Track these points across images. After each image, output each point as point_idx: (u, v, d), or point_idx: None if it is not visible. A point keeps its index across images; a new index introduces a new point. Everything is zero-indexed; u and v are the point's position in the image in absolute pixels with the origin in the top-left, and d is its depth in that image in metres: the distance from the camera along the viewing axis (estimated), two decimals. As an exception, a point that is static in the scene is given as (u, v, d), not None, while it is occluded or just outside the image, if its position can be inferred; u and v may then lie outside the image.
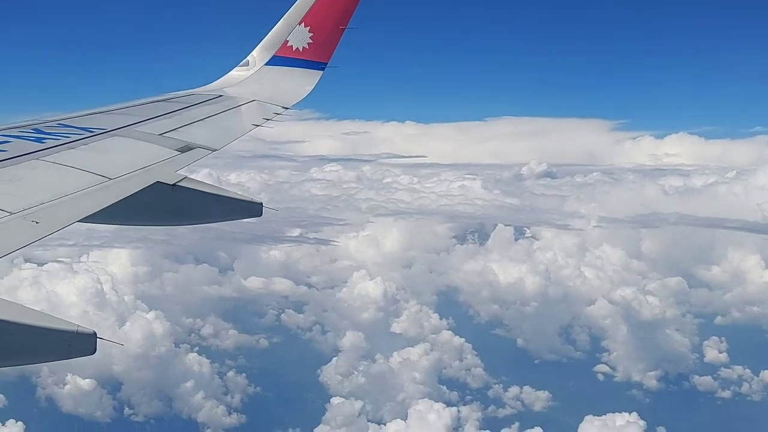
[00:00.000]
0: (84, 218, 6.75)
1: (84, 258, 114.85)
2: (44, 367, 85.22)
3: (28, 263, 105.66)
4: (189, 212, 8.54)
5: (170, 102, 12.73)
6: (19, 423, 79.99)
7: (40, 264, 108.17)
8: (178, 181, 8.24)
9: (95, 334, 5.04)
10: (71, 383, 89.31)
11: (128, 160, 8.58)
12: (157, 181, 8.05)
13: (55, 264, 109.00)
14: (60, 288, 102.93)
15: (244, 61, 15.86)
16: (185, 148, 9.55)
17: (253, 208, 8.77)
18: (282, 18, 15.73)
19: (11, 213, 6.08)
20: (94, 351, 5.09)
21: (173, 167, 8.71)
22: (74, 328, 4.98)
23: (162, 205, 8.25)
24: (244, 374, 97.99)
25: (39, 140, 8.55)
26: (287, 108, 14.35)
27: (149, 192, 7.83)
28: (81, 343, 5.02)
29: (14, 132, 8.89)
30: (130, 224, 9.00)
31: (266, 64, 15.65)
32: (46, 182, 7.19)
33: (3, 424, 79.61)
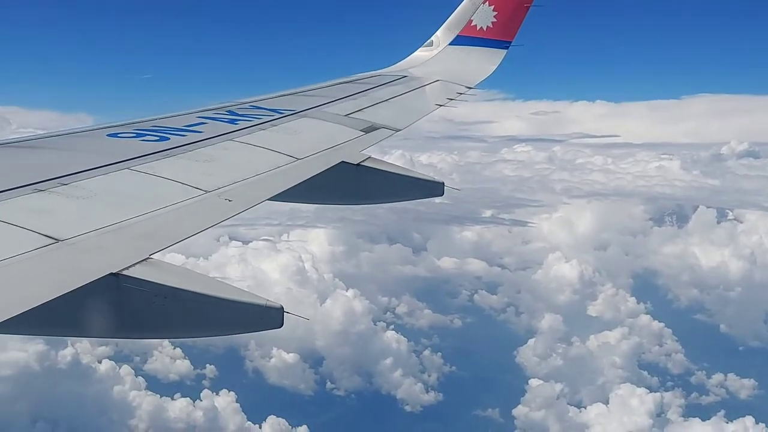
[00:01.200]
0: (273, 197, 6.98)
1: (285, 237, 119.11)
2: (252, 341, 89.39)
3: (234, 241, 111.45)
4: (372, 191, 8.67)
5: (356, 83, 12.97)
6: (231, 393, 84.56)
7: (246, 242, 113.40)
8: (362, 161, 8.39)
9: (282, 308, 5.17)
10: (276, 357, 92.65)
11: (315, 140, 8.83)
12: (342, 161, 8.24)
13: (260, 242, 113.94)
14: (265, 265, 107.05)
15: (428, 41, 15.90)
16: (370, 129, 9.71)
17: (434, 188, 8.78)
18: (467, -3, 15.64)
19: (206, 191, 6.39)
20: (281, 324, 5.21)
21: (358, 147, 8.89)
22: (263, 302, 5.12)
23: (346, 184, 8.40)
24: (439, 353, 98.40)
25: (232, 122, 8.97)
26: (471, 87, 14.27)
27: (334, 171, 8.02)
28: (270, 317, 5.15)
29: (210, 114, 9.37)
30: (316, 203, 9.22)
31: (450, 43, 15.62)
32: (238, 162, 7.52)
33: (216, 393, 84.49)
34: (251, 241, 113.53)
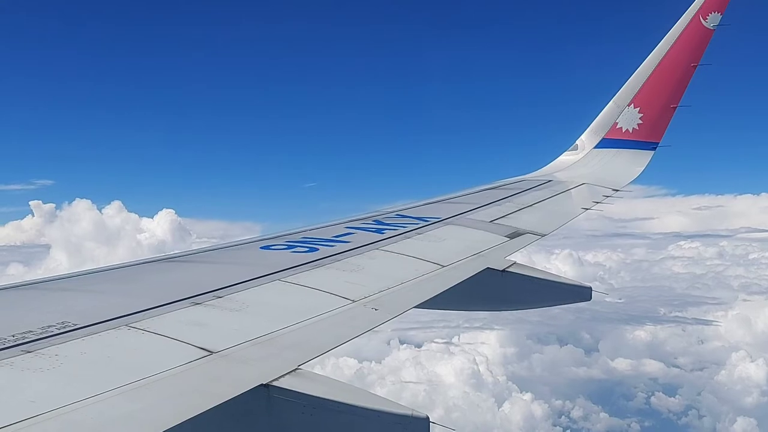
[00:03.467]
0: (419, 304, 7.05)
1: (456, 339, 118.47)
2: None
3: (404, 344, 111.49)
4: (518, 297, 8.62)
5: (501, 189, 13.06)
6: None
7: (417, 345, 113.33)
8: (507, 267, 8.39)
9: (428, 418, 5.14)
10: None
11: (460, 247, 8.90)
12: (488, 267, 8.26)
13: (432, 345, 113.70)
14: (439, 369, 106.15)
15: (573, 145, 15.91)
16: (514, 234, 9.72)
17: (582, 293, 8.65)
18: (611, 101, 15.64)
19: (353, 301, 6.52)
20: (426, 434, 5.17)
21: (503, 253, 8.90)
22: (409, 412, 5.11)
23: (492, 290, 8.40)
24: None
25: (379, 231, 9.18)
26: (617, 190, 14.11)
27: (480, 278, 8.05)
28: (416, 427, 5.12)
29: (357, 224, 9.63)
30: (462, 309, 9.24)
31: (596, 146, 15.57)
32: (384, 270, 7.65)
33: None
34: (423, 344, 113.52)
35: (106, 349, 4.78)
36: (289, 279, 6.85)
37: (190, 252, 8.41)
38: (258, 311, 5.96)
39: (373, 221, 9.88)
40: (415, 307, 6.96)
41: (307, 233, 9.03)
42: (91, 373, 4.42)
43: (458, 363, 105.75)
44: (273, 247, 8.22)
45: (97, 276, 7.06)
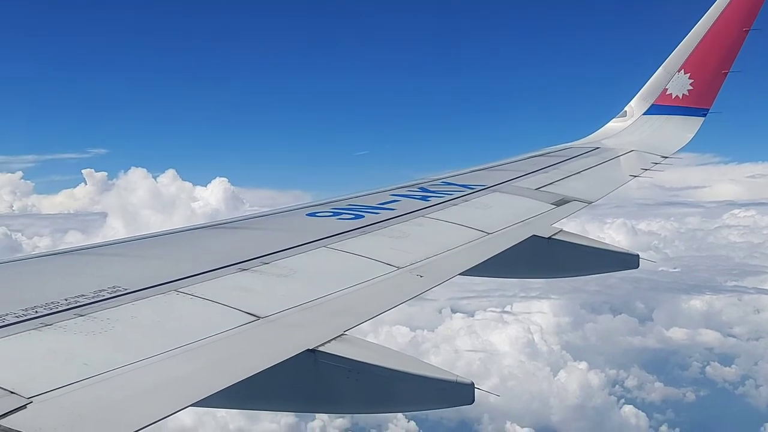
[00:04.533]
0: (464, 271, 7.05)
1: (509, 308, 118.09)
2: (485, 414, 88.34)
3: (457, 313, 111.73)
4: (564, 265, 8.59)
5: (547, 156, 12.95)
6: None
7: (469, 314, 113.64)
8: (554, 234, 8.35)
9: (473, 384, 5.16)
10: (511, 431, 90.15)
11: (505, 214, 8.87)
12: (533, 235, 8.23)
13: (486, 314, 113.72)
14: (493, 337, 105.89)
15: (621, 112, 15.70)
16: (561, 201, 9.66)
17: (629, 261, 8.57)
18: (660, 67, 15.38)
19: (399, 267, 6.55)
20: (472, 401, 5.19)
21: (549, 220, 8.86)
22: (454, 378, 5.13)
23: (538, 257, 8.38)
24: (677, 429, 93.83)
25: (424, 198, 9.18)
26: (667, 157, 13.91)
27: (526, 245, 8.03)
28: (461, 393, 5.15)
29: (403, 191, 9.63)
30: (507, 277, 9.20)
31: (645, 113, 15.35)
32: (429, 238, 7.66)
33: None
34: (475, 312, 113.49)
35: (155, 314, 4.87)
36: (335, 245, 6.89)
37: (237, 218, 8.49)
38: (304, 277, 6.01)
39: (419, 189, 9.88)
40: (460, 274, 6.97)
41: (353, 200, 9.06)
42: (141, 336, 4.51)
43: (513, 332, 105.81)
44: (319, 214, 8.27)
45: (147, 242, 7.17)
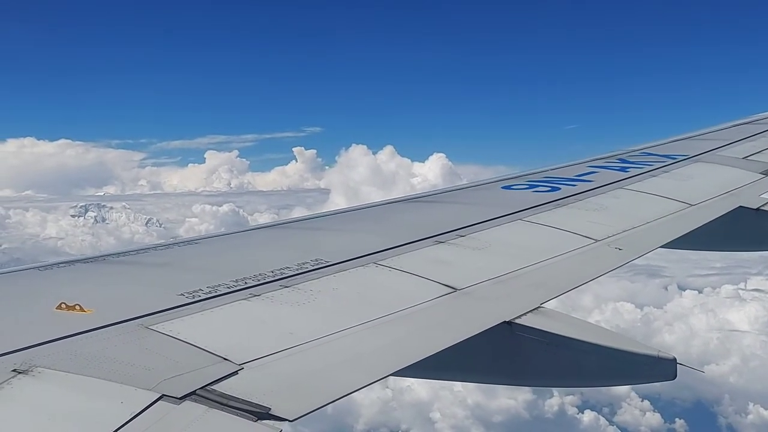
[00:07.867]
0: (665, 244, 6.84)
1: (742, 285, 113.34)
2: (726, 395, 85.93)
3: (686, 290, 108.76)
4: (774, 237, 8.13)
5: (756, 123, 12.25)
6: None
7: (699, 291, 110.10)
8: (763, 205, 7.94)
9: (675, 359, 5.02)
10: (754, 413, 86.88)
11: (709, 185, 8.52)
12: (740, 206, 7.87)
13: (719, 290, 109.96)
14: (730, 315, 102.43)
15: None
16: (771, 171, 9.14)
17: None
18: None
19: (596, 240, 6.45)
20: (674, 376, 5.05)
21: (757, 191, 8.41)
22: (655, 353, 5.01)
23: (746, 229, 8.00)
24: None
25: (623, 169, 8.95)
26: None
27: (731, 217, 7.69)
28: (662, 368, 5.02)
29: (601, 163, 9.43)
30: (711, 250, 8.82)
31: None
32: (628, 210, 7.49)
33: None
34: (703, 289, 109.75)
35: (356, 286, 5.03)
36: (530, 218, 6.86)
37: (434, 192, 8.61)
38: (500, 250, 6.03)
39: (617, 160, 9.63)
40: (660, 246, 6.77)
41: (548, 173, 8.97)
42: (342, 307, 4.67)
43: (752, 310, 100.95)
44: (514, 187, 8.24)
45: (347, 216, 7.40)
